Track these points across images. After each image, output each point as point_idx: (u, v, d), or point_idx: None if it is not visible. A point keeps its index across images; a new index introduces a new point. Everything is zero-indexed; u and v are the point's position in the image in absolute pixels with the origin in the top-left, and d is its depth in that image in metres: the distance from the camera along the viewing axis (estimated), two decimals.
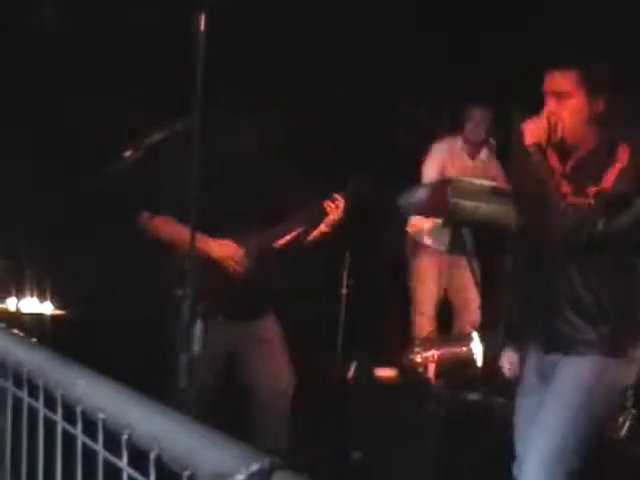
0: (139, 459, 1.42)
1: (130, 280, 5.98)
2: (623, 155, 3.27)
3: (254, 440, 4.28)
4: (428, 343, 5.86)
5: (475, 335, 5.63)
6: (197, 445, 1.29)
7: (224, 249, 4.39)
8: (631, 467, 4.76)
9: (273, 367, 4.51)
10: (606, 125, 3.37)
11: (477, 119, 6.43)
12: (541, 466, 3.33)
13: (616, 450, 4.46)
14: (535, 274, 3.48)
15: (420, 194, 5.37)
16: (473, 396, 5.15)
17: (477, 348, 5.56)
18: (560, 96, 3.33)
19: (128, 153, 4.42)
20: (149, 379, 2.56)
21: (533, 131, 3.33)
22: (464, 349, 5.62)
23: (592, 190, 3.25)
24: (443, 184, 5.20)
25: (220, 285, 4.35)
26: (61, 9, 6.39)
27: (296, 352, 4.66)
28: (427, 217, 5.96)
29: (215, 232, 4.35)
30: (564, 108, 3.33)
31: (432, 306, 6.54)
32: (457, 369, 5.57)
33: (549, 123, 3.33)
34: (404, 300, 6.63)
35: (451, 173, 6.22)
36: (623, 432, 4.94)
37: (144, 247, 4.76)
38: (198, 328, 4.25)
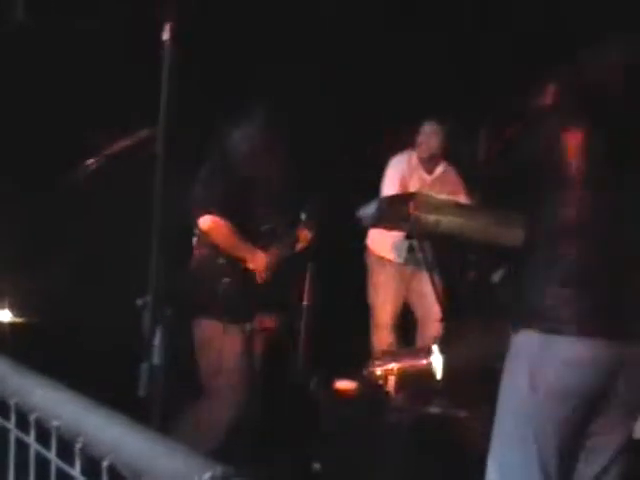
0: (94, 468, 1.42)
1: (92, 287, 5.96)
2: None
3: None
4: (388, 356, 5.88)
5: (435, 348, 5.64)
6: (151, 453, 1.29)
7: (259, 260, 4.63)
8: None
9: None
10: None
11: (426, 134, 6.46)
12: None
13: None
14: None
15: (381, 207, 5.39)
16: (433, 409, 5.17)
17: (437, 361, 5.58)
18: None
19: (90, 161, 4.47)
20: (108, 387, 2.55)
21: None
22: (424, 362, 5.64)
23: None
24: (405, 197, 5.22)
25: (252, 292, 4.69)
26: (29, 11, 6.36)
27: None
28: (388, 230, 5.98)
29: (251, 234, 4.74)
30: None
31: (391, 319, 6.55)
32: (417, 382, 5.58)
33: None
34: (365, 313, 6.64)
35: (410, 187, 6.25)
36: None
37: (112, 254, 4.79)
38: (158, 338, 4.28)
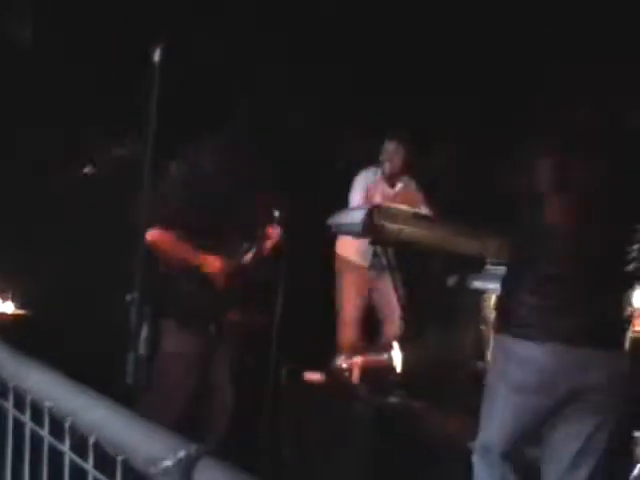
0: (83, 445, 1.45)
1: (89, 282, 5.96)
2: None
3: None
4: (353, 351, 5.93)
5: (396, 344, 5.71)
6: (131, 433, 1.32)
7: (214, 262, 4.47)
8: None
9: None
10: None
11: (388, 152, 6.52)
12: None
13: None
14: None
15: (350, 216, 5.43)
16: (393, 399, 5.22)
17: (397, 356, 5.65)
18: None
19: (87, 169, 4.44)
20: (102, 375, 2.58)
21: None
22: (386, 357, 5.70)
23: None
24: (372, 208, 5.27)
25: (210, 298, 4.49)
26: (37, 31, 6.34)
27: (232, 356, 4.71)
28: (355, 237, 6.02)
29: (208, 247, 4.47)
30: None
31: (357, 317, 6.59)
32: (379, 375, 5.63)
33: None
34: (333, 311, 6.67)
35: (375, 199, 6.29)
36: None
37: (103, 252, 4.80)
38: (145, 331, 4.30)
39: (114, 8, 5.95)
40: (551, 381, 3.11)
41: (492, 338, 3.36)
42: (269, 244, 4.76)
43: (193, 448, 1.24)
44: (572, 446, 3.19)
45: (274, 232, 4.79)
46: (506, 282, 3.36)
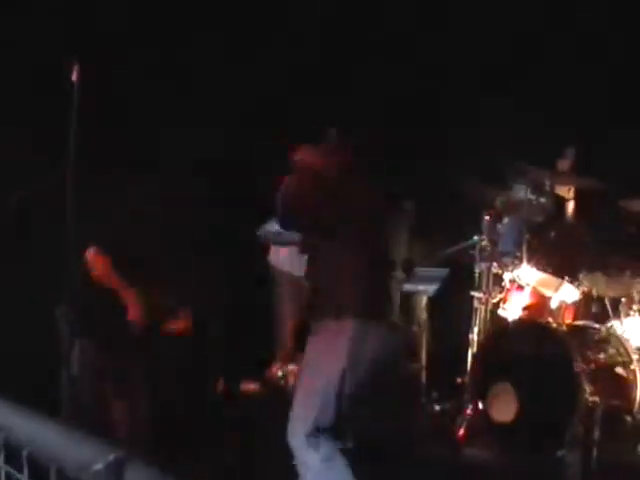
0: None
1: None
2: None
3: None
4: (288, 358, 6.01)
5: None
6: (63, 443, 1.41)
7: (132, 297, 4.64)
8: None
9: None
10: None
11: None
12: None
13: None
14: None
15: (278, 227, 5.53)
16: None
17: None
18: None
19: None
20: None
21: None
22: None
23: None
24: None
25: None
26: None
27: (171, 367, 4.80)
28: (284, 246, 6.14)
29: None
30: None
31: (293, 325, 6.67)
32: None
33: None
34: (269, 321, 6.75)
35: None
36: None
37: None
38: (77, 348, 4.37)
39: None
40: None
41: None
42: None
43: (121, 452, 1.33)
44: None
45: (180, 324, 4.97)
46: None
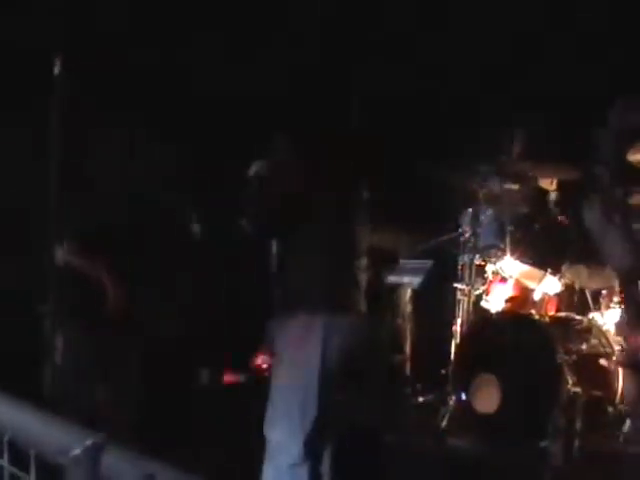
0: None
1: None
2: None
3: None
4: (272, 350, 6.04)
5: None
6: (42, 428, 1.46)
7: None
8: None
9: None
10: None
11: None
12: None
13: None
14: None
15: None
16: None
17: None
18: None
19: None
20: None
21: None
22: None
23: None
24: None
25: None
26: None
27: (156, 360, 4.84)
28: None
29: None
30: None
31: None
32: None
33: None
34: (252, 312, 6.76)
35: None
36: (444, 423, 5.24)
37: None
38: (60, 341, 4.41)
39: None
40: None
41: None
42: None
43: (99, 437, 1.37)
44: None
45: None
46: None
